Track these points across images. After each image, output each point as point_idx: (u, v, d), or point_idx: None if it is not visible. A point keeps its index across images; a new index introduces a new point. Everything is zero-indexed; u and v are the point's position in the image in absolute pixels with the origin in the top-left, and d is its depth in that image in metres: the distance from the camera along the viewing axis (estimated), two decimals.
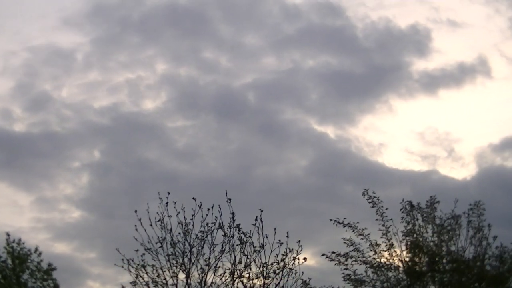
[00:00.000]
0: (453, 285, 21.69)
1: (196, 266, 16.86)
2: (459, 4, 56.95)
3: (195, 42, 55.21)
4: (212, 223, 16.88)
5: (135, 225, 16.90)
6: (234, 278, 16.80)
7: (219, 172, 47.59)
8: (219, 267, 16.85)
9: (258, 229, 16.69)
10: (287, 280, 16.75)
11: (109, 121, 50.99)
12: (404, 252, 22.13)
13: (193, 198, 16.88)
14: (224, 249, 16.84)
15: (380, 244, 22.11)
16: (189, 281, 16.83)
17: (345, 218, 22.29)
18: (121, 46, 55.11)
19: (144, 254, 16.83)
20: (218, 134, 51.07)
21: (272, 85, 52.44)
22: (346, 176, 47.14)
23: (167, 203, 16.99)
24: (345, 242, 22.23)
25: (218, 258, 16.81)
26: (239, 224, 16.92)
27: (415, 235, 22.26)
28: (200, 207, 16.88)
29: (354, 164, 48.20)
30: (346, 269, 22.02)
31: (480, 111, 52.54)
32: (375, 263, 21.95)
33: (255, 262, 16.77)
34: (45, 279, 25.66)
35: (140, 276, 16.80)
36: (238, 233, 16.89)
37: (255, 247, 16.73)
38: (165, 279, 16.81)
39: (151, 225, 16.91)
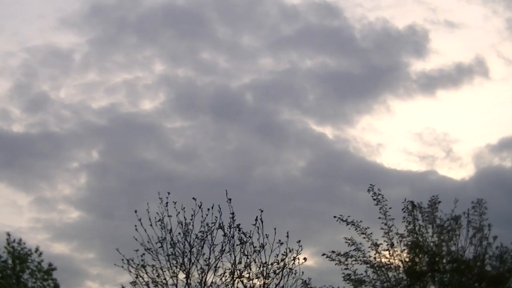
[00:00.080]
0: (453, 285, 21.68)
1: (196, 266, 16.87)
2: (456, 5, 56.99)
3: (193, 43, 55.36)
4: (212, 223, 16.90)
5: (135, 225, 16.92)
6: (234, 278, 16.80)
7: (218, 173, 47.71)
8: (219, 267, 16.86)
9: (258, 229, 16.71)
10: (287, 280, 16.77)
11: (107, 122, 51.11)
12: (404, 252, 22.12)
13: (193, 198, 16.90)
14: (224, 249, 16.84)
15: (381, 244, 22.11)
16: (189, 281, 16.83)
17: (348, 216, 22.35)
18: (119, 47, 55.26)
19: (144, 254, 16.85)
20: (216, 134, 51.23)
21: (270, 86, 52.61)
22: (345, 177, 47.30)
23: (167, 203, 17.02)
24: (346, 242, 22.24)
25: (218, 258, 16.81)
26: (239, 224, 16.94)
27: (415, 235, 22.26)
28: (200, 207, 16.90)
29: (353, 165, 48.33)
30: (346, 269, 22.02)
31: (478, 112, 52.68)
32: (375, 263, 21.95)
33: (255, 262, 16.77)
34: (45, 279, 25.71)
35: (140, 276, 16.82)
36: (238, 233, 16.90)
37: (255, 247, 16.73)
38: (165, 279, 16.82)
39: (151, 225, 16.93)
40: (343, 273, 21.97)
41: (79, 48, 54.21)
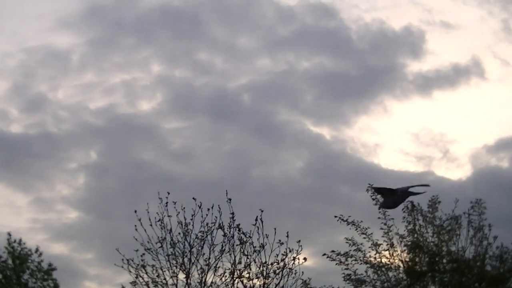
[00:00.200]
0: (453, 285, 21.68)
1: (196, 266, 16.90)
2: (452, 6, 56.86)
3: (190, 43, 55.30)
4: (212, 223, 16.91)
5: (135, 225, 16.94)
6: (234, 278, 16.81)
7: (215, 173, 47.65)
8: (219, 267, 16.89)
9: (258, 229, 16.72)
10: (287, 280, 16.79)
11: (105, 122, 51.07)
12: (405, 252, 22.12)
13: (193, 198, 16.93)
14: (224, 249, 16.87)
15: (381, 244, 22.10)
16: (189, 281, 16.85)
17: (349, 216, 22.34)
18: (116, 47, 55.14)
19: (144, 254, 16.86)
20: (214, 135, 51.26)
21: (267, 87, 52.53)
22: (342, 177, 47.32)
23: (167, 203, 17.03)
24: (347, 242, 22.22)
25: (218, 258, 16.84)
26: (239, 224, 16.95)
27: (415, 235, 22.26)
28: (200, 207, 16.91)
29: (350, 165, 48.35)
30: (346, 269, 22.02)
31: (474, 112, 52.63)
32: (375, 263, 21.95)
33: (255, 262, 16.80)
34: (45, 279, 25.70)
35: (140, 276, 16.83)
36: (238, 233, 16.92)
37: (255, 247, 16.75)
38: (165, 279, 16.84)
39: (150, 225, 16.95)
40: (343, 273, 21.98)
41: (77, 48, 54.22)
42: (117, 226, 41.95)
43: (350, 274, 21.94)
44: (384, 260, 22.00)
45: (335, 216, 22.39)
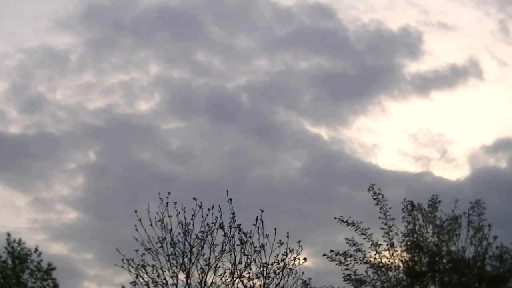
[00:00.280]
0: (453, 285, 21.67)
1: (196, 266, 16.89)
2: (449, 7, 57.21)
3: (187, 44, 55.54)
4: (212, 223, 16.90)
5: (135, 225, 16.94)
6: (234, 278, 16.80)
7: (214, 174, 47.75)
8: (219, 267, 16.88)
9: (258, 229, 16.71)
10: (287, 280, 16.78)
11: (103, 123, 51.21)
12: (405, 252, 22.10)
13: (194, 198, 16.93)
14: (224, 249, 16.86)
15: (381, 244, 22.09)
16: (189, 281, 16.84)
17: (349, 217, 22.32)
18: (114, 48, 55.37)
19: (144, 254, 16.85)
20: (212, 135, 51.32)
21: (265, 87, 52.78)
22: (340, 177, 47.50)
23: (167, 203, 17.02)
24: (347, 242, 22.21)
25: (218, 258, 16.83)
26: (240, 224, 16.94)
27: (415, 235, 22.25)
28: (200, 207, 16.90)
29: (348, 165, 48.55)
30: (346, 269, 22.00)
31: (472, 113, 52.81)
32: (375, 263, 21.93)
33: (255, 262, 16.79)
34: (45, 279, 25.69)
35: (140, 276, 16.81)
36: (239, 233, 16.91)
37: (255, 247, 16.74)
38: (165, 279, 16.83)
39: (151, 225, 16.93)
40: (343, 273, 21.97)
41: (75, 49, 54.39)
42: (116, 226, 42.12)
43: (350, 274, 21.94)
44: (384, 260, 21.99)
45: (335, 218, 22.40)
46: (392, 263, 21.96)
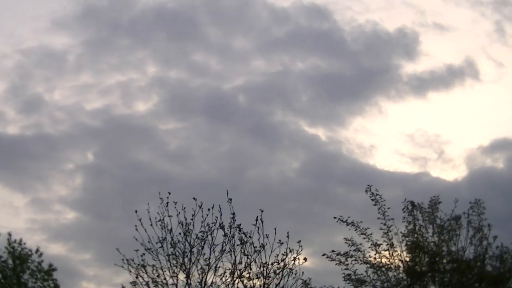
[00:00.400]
0: (454, 285, 21.67)
1: (197, 266, 16.89)
2: (445, 8, 57.25)
3: (185, 45, 55.69)
4: (212, 223, 16.91)
5: (135, 225, 16.95)
6: (234, 278, 16.81)
7: (212, 174, 47.83)
8: (219, 267, 16.89)
9: (258, 229, 16.72)
10: (287, 280, 16.78)
11: (101, 123, 51.32)
12: (405, 252, 22.12)
13: (194, 198, 16.93)
14: (225, 249, 16.86)
15: (381, 244, 22.10)
16: (189, 281, 16.85)
17: (348, 217, 22.33)
18: (112, 48, 55.46)
19: (144, 254, 16.86)
20: (210, 136, 51.38)
21: (262, 88, 52.81)
22: (338, 178, 47.52)
23: (167, 203, 17.03)
24: (346, 242, 22.22)
25: (218, 258, 16.83)
26: (240, 224, 16.95)
27: (415, 235, 22.26)
28: (200, 207, 16.91)
29: (346, 166, 48.59)
30: (346, 269, 22.01)
31: (469, 113, 52.89)
32: (375, 263, 21.94)
33: (255, 262, 16.79)
34: (45, 279, 25.70)
35: (140, 276, 16.82)
36: (239, 233, 16.92)
37: (255, 247, 16.75)
38: (165, 279, 16.84)
39: (151, 225, 16.94)
40: (343, 273, 21.98)
41: (73, 49, 54.50)
42: (114, 227, 42.18)
43: (350, 274, 21.95)
44: (384, 260, 22.00)
45: (335, 217, 22.40)
46: (392, 263, 21.97)
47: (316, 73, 52.99)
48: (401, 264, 22.00)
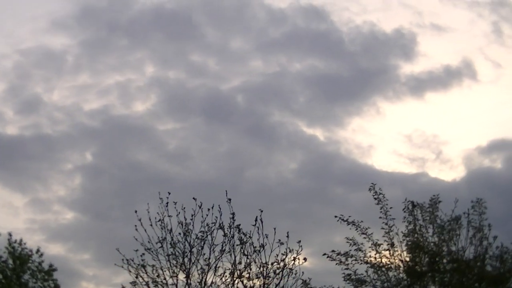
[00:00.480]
0: (454, 285, 21.67)
1: (196, 266, 16.90)
2: (442, 8, 57.29)
3: (183, 45, 55.80)
4: (212, 223, 16.91)
5: (135, 225, 16.96)
6: (234, 278, 16.82)
7: (210, 174, 47.92)
8: (219, 267, 16.89)
9: (258, 229, 16.72)
10: (287, 280, 16.79)
11: (100, 124, 51.40)
12: (405, 252, 22.12)
13: (194, 198, 16.94)
14: (224, 249, 16.86)
15: (382, 244, 22.09)
16: (189, 281, 16.85)
17: (349, 216, 22.32)
18: (110, 49, 55.56)
19: (143, 254, 16.86)
20: (208, 136, 51.47)
21: (260, 88, 52.91)
22: (336, 178, 47.59)
23: (167, 203, 17.03)
24: (347, 242, 22.21)
25: (218, 258, 16.83)
26: (239, 225, 16.96)
27: (416, 235, 22.25)
28: (200, 207, 16.92)
29: (344, 166, 48.66)
30: (346, 269, 22.01)
31: (467, 114, 52.97)
32: (375, 263, 21.93)
33: (255, 262, 16.79)
34: (45, 279, 25.72)
35: (140, 276, 16.83)
36: (238, 233, 16.92)
37: (255, 247, 16.75)
38: (165, 279, 16.85)
39: (151, 225, 16.95)
40: (344, 273, 21.97)
41: (71, 49, 54.63)
42: (113, 227, 42.26)
43: (350, 274, 21.94)
44: (384, 260, 21.99)
45: (335, 216, 22.40)
46: (392, 263, 21.97)
47: (314, 74, 53.18)
48: (401, 264, 22.00)
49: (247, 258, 16.78)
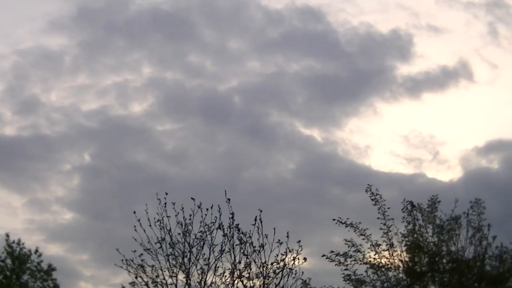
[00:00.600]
0: (453, 285, 21.66)
1: (196, 266, 16.88)
2: (438, 10, 57.56)
3: (180, 46, 55.97)
4: (211, 223, 16.89)
5: (134, 226, 16.92)
6: (234, 278, 16.79)
7: (208, 174, 48.00)
8: (218, 267, 16.87)
9: (258, 229, 16.70)
10: (287, 280, 16.76)
11: (98, 124, 51.53)
12: (404, 252, 22.09)
13: (192, 198, 16.92)
14: (224, 249, 16.84)
15: (381, 244, 22.07)
16: (188, 281, 16.83)
17: (347, 218, 22.30)
18: (108, 50, 55.75)
19: (142, 254, 16.83)
20: (206, 137, 51.60)
21: (257, 89, 53.05)
22: (334, 179, 47.73)
23: (165, 203, 17.01)
24: (346, 243, 22.18)
25: (218, 258, 16.81)
26: (238, 224, 16.93)
27: (415, 235, 22.23)
28: (199, 207, 16.89)
29: (341, 167, 48.79)
30: (346, 269, 21.98)
31: (464, 115, 53.18)
32: (375, 263, 21.91)
33: (255, 262, 16.77)
34: (45, 279, 25.72)
35: (140, 276, 16.79)
36: (238, 233, 16.89)
37: (255, 247, 16.73)
38: (164, 279, 16.82)
39: (149, 225, 16.92)
40: (343, 273, 21.94)
41: (69, 50, 54.83)
42: (112, 227, 42.30)
43: (350, 274, 21.92)
44: (383, 260, 21.97)
45: (333, 219, 22.35)
46: (391, 263, 21.95)
47: (311, 74, 53.31)
48: (401, 264, 21.99)
49: (247, 258, 16.76)
